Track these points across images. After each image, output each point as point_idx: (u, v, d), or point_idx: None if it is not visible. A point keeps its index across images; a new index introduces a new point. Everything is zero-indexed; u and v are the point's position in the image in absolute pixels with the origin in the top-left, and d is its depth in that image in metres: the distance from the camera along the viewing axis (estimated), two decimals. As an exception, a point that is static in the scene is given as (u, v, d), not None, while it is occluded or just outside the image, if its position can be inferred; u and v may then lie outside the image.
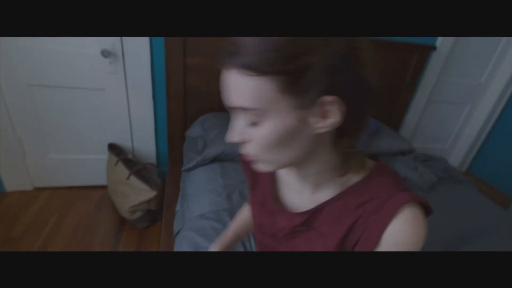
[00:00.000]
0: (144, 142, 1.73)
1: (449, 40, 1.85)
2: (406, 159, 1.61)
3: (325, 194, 0.46)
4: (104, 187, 1.71)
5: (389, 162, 1.58)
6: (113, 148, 1.63)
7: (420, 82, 1.97)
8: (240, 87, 0.36)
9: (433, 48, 1.83)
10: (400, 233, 0.39)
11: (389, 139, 1.70)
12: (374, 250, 0.40)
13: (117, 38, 1.42)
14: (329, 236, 0.45)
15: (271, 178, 0.54)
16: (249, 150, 0.41)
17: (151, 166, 1.62)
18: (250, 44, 0.34)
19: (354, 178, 0.45)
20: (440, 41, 1.84)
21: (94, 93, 1.53)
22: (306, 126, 0.38)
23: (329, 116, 0.37)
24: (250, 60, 0.34)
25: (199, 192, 1.19)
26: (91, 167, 1.72)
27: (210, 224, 1.03)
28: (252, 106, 0.36)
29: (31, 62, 1.38)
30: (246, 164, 0.57)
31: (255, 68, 0.34)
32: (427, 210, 0.42)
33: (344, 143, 0.42)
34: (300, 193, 0.49)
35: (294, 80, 0.34)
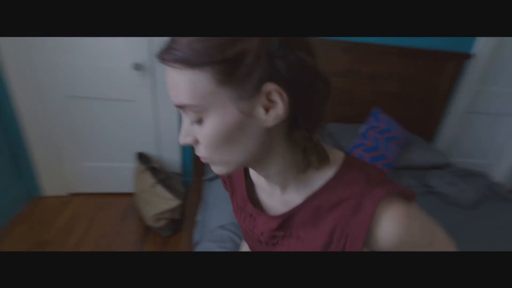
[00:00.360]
0: (170, 152, 1.78)
1: (489, 47, 1.73)
2: (442, 173, 1.49)
3: (294, 195, 0.44)
4: (132, 195, 1.77)
5: (423, 176, 1.47)
6: (141, 157, 1.69)
7: (457, 92, 1.84)
8: (176, 83, 0.35)
9: (468, 55, 1.72)
10: (391, 236, 0.37)
11: (422, 151, 1.60)
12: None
13: (148, 52, 1.50)
14: (311, 243, 0.43)
15: (246, 181, 0.52)
16: (201, 152, 0.40)
17: (175, 175, 1.65)
18: (182, 37, 0.33)
19: (323, 175, 0.42)
20: (478, 48, 1.72)
21: (125, 104, 1.61)
22: (252, 120, 0.36)
23: (274, 107, 0.35)
24: (183, 53, 0.33)
25: (220, 203, 1.18)
26: (120, 175, 1.79)
27: (230, 235, 1.02)
28: (190, 102, 0.35)
29: (70, 75, 1.49)
30: None
31: (188, 61, 0.33)
32: (409, 197, 0.39)
33: (299, 136, 0.39)
34: (271, 195, 0.48)
35: (231, 70, 0.33)
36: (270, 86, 0.34)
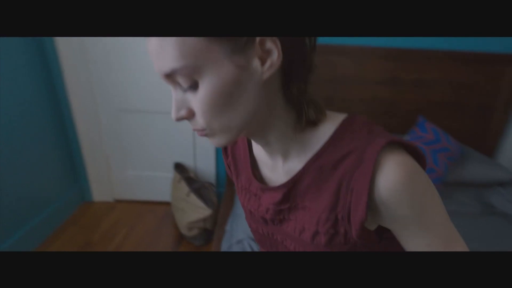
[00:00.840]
0: (206, 163, 1.83)
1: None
2: (507, 191, 1.28)
3: (296, 163, 0.42)
4: (169, 204, 1.83)
5: (481, 194, 1.28)
6: (178, 167, 1.76)
7: (523, 99, 1.61)
8: (163, 48, 0.32)
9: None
10: (393, 183, 0.34)
11: (480, 165, 1.40)
12: (368, 216, 0.36)
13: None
14: (318, 208, 0.41)
15: (250, 160, 0.51)
16: (198, 123, 0.37)
17: (209, 185, 1.68)
18: None
19: (322, 134, 0.40)
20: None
21: (165, 116, 1.70)
22: (249, 74, 0.34)
23: (269, 55, 0.34)
24: None
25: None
26: (160, 184, 1.87)
27: (258, 247, 0.98)
28: (181, 64, 0.32)
29: (121, 90, 1.64)
30: (226, 153, 0.56)
31: None
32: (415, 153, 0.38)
33: (294, 89, 0.38)
34: (274, 169, 0.46)
35: None
36: None
